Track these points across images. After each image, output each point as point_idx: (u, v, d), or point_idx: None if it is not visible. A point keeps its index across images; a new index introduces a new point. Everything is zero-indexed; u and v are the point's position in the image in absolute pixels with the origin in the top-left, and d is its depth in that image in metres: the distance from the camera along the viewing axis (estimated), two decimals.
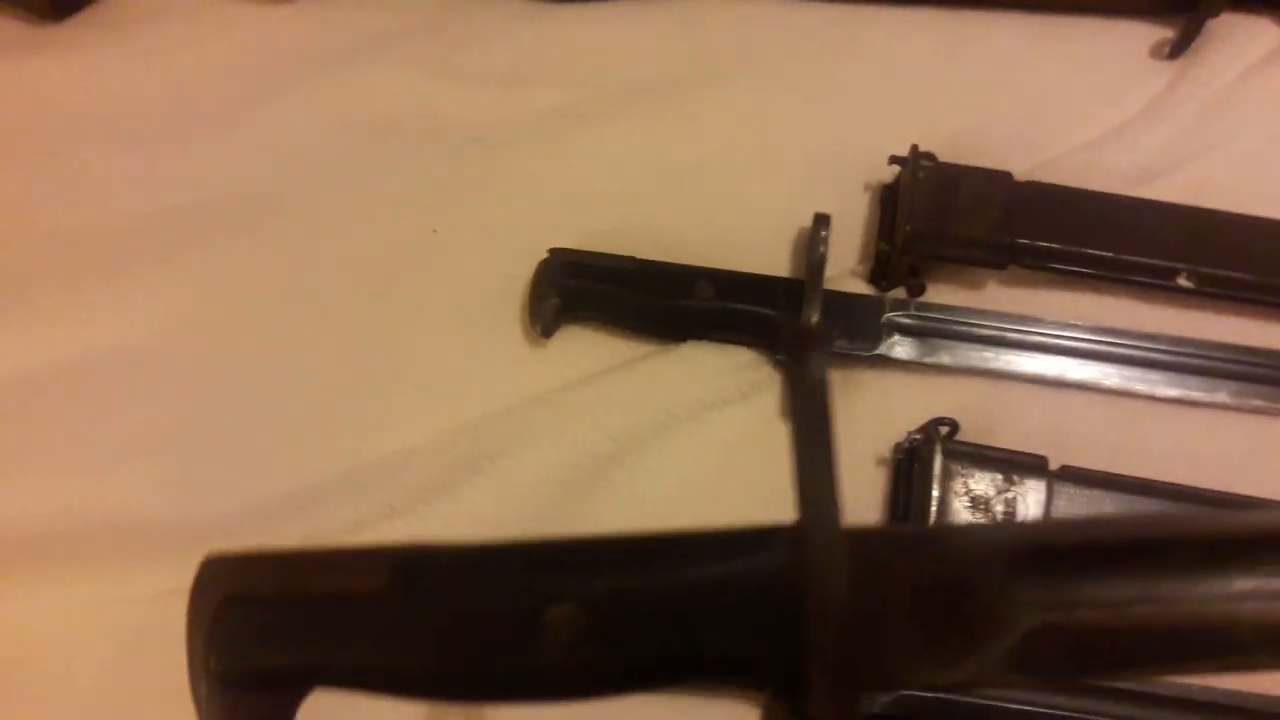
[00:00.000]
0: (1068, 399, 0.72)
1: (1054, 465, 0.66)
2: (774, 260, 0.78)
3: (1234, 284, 0.73)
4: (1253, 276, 0.73)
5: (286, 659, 0.33)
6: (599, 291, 0.74)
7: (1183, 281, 0.73)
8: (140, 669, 0.66)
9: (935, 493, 0.64)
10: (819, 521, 0.29)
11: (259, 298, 0.79)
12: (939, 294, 0.76)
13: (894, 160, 0.77)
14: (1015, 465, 0.65)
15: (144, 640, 0.67)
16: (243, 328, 0.77)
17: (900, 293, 0.76)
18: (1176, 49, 0.85)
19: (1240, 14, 0.85)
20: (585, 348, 0.75)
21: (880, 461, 0.71)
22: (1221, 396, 0.71)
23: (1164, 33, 0.86)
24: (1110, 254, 0.73)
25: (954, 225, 0.73)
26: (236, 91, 0.88)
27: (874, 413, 0.72)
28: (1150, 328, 0.73)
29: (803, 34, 0.89)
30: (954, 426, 0.68)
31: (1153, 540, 0.30)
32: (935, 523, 0.63)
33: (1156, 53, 0.86)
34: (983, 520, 0.64)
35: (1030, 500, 0.64)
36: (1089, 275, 0.74)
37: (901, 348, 0.72)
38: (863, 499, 0.69)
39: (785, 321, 0.72)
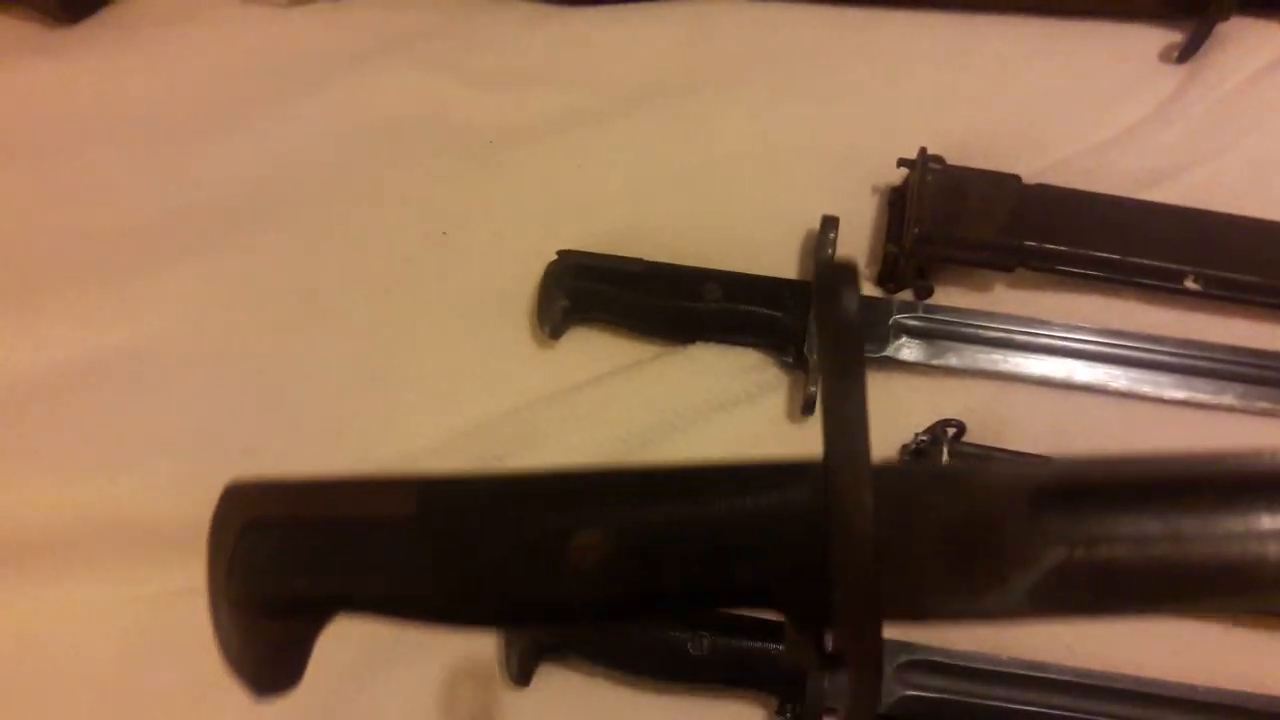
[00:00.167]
0: (1075, 401, 0.72)
1: None
2: (782, 262, 0.78)
3: (1241, 287, 0.73)
4: (1260, 279, 0.73)
5: (310, 584, 0.33)
6: (607, 293, 0.74)
7: (1190, 284, 0.73)
8: (148, 668, 0.67)
9: None
10: (848, 456, 0.29)
11: (268, 299, 0.79)
12: (947, 296, 0.76)
13: (902, 163, 0.77)
14: None
15: (152, 639, 0.67)
16: (252, 329, 0.78)
17: (908, 295, 0.76)
18: (1185, 53, 0.85)
19: (1249, 18, 0.85)
20: (593, 349, 0.76)
21: None
22: (1228, 399, 0.71)
23: (1173, 36, 0.86)
24: (1118, 256, 0.73)
25: (962, 228, 0.73)
26: (247, 94, 0.89)
27: (881, 414, 0.71)
28: (1157, 330, 0.73)
29: (811, 37, 0.89)
30: (961, 428, 0.68)
31: (1177, 478, 0.30)
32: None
33: (1165, 56, 0.86)
34: None
35: None
36: (1096, 278, 0.74)
37: (909, 350, 0.72)
38: None
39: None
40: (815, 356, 0.70)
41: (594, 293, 0.74)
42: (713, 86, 0.88)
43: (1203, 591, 0.29)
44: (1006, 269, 0.74)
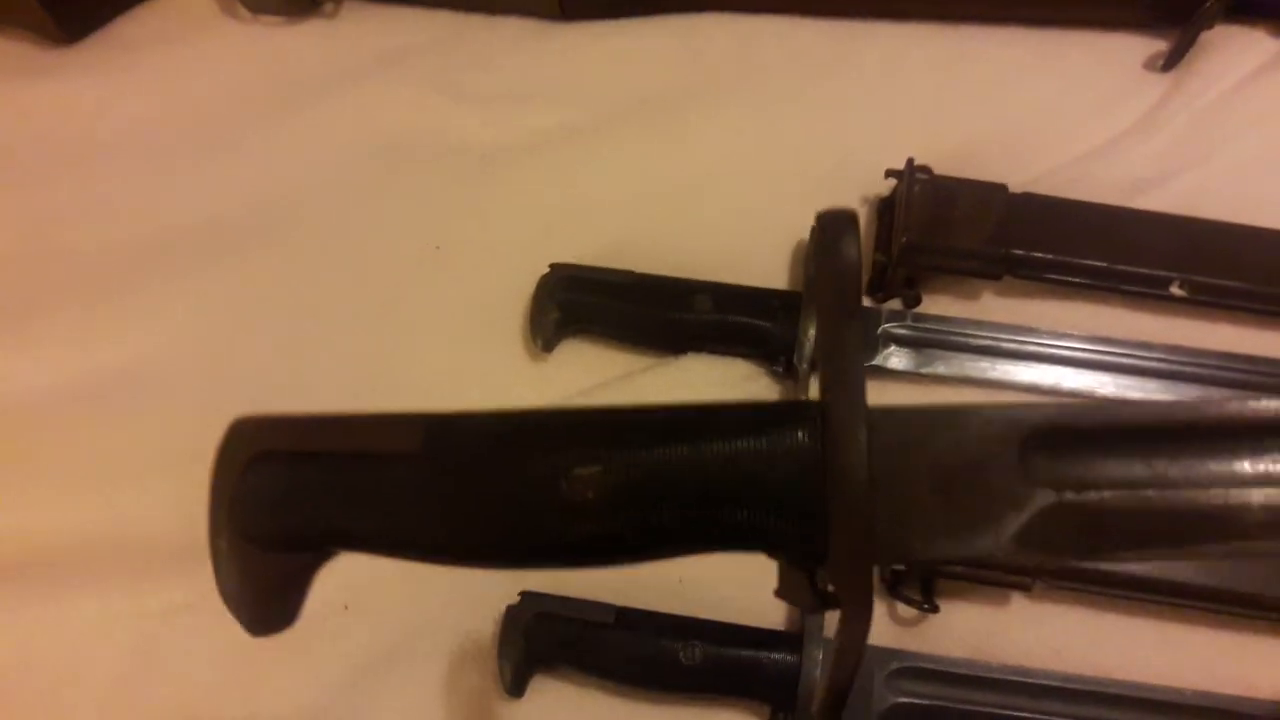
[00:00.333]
0: None
1: None
2: (772, 273, 0.79)
3: (1227, 292, 0.73)
4: (1245, 285, 0.73)
5: (313, 519, 0.33)
6: (599, 305, 0.75)
7: (1176, 290, 0.73)
8: (148, 684, 0.67)
9: None
10: (844, 398, 0.30)
11: (267, 316, 0.80)
12: (935, 305, 0.77)
13: (890, 173, 0.78)
14: None
15: (152, 655, 0.68)
16: (250, 345, 0.79)
17: (896, 304, 0.76)
18: (1170, 61, 0.85)
19: (1234, 26, 0.86)
20: (586, 361, 0.76)
21: None
22: None
23: (1158, 45, 0.87)
24: (1104, 264, 0.73)
25: (950, 237, 0.74)
26: (244, 112, 0.90)
27: None
28: (1144, 337, 0.74)
29: (801, 50, 0.90)
30: None
31: (1165, 424, 0.30)
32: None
33: (1151, 65, 0.87)
34: None
35: None
36: (1084, 285, 0.74)
37: (898, 358, 0.73)
38: None
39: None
40: (805, 366, 0.71)
41: (586, 305, 0.75)
42: (703, 100, 0.88)
43: (1187, 535, 0.30)
44: (994, 277, 0.75)
